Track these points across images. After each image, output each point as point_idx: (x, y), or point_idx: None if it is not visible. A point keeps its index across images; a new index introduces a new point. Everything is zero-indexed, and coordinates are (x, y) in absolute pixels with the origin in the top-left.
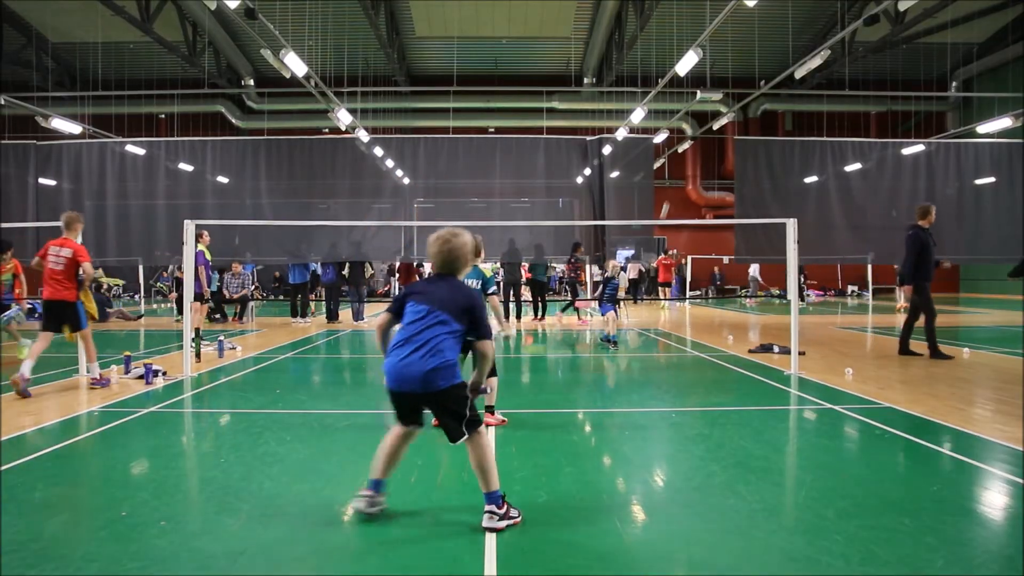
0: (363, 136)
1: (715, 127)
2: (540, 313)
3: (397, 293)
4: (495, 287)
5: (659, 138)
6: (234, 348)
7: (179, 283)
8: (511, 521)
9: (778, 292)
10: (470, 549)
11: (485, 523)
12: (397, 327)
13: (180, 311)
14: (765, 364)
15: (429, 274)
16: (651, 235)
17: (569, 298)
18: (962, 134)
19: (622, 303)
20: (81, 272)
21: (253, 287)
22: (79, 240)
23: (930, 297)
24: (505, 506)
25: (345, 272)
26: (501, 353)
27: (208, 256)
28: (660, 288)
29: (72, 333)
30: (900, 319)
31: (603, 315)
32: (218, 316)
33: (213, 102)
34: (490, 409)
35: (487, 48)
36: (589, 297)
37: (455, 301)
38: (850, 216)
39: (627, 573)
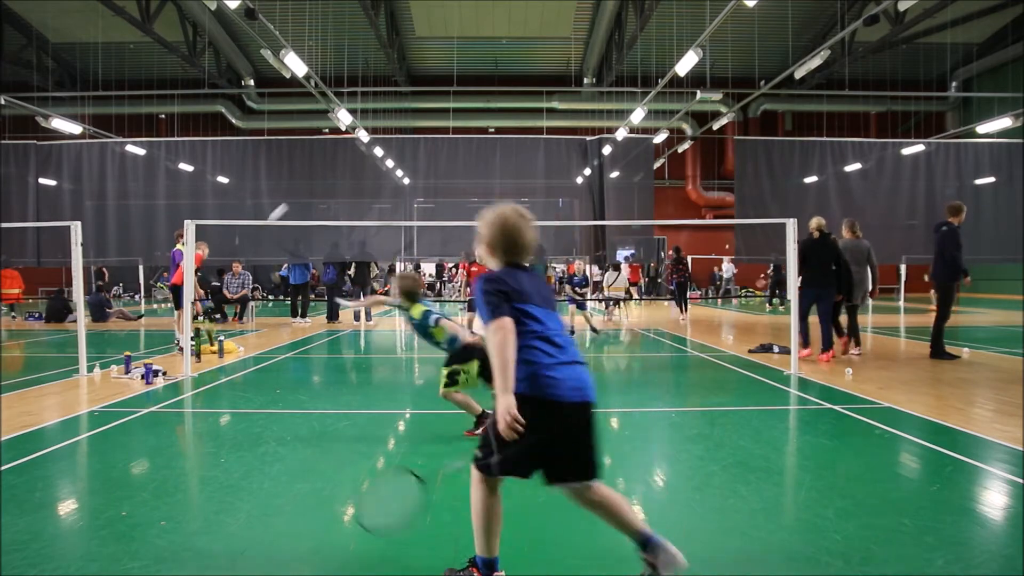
0: (363, 136)
1: (715, 127)
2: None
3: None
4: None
5: (659, 138)
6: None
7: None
8: None
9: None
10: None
11: None
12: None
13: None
14: (765, 364)
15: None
16: (651, 235)
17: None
18: (962, 134)
19: (621, 303)
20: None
21: (253, 288)
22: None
23: (953, 298)
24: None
25: (351, 272)
26: None
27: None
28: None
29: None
30: (900, 320)
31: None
32: (218, 316)
33: (213, 102)
34: None
35: (487, 48)
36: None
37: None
38: (850, 216)
39: (627, 573)
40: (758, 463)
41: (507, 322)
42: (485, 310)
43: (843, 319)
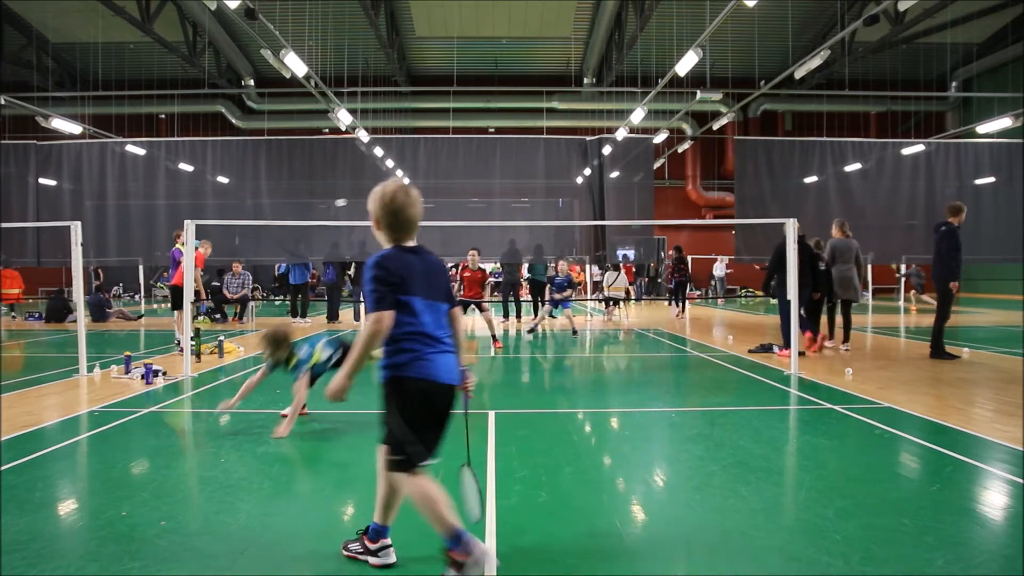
0: (363, 136)
1: (715, 127)
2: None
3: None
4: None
5: (659, 138)
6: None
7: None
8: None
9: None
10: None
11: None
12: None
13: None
14: (765, 364)
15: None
16: (651, 235)
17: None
18: (962, 134)
19: (621, 303)
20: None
21: (253, 288)
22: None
23: (952, 298)
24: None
25: (351, 272)
26: (502, 353)
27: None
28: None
29: None
30: (894, 320)
31: (565, 310)
32: (218, 316)
33: (213, 102)
34: None
35: (487, 48)
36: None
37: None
38: (850, 216)
39: (627, 573)
40: (758, 463)
41: (386, 317)
42: (370, 298)
43: (824, 319)
